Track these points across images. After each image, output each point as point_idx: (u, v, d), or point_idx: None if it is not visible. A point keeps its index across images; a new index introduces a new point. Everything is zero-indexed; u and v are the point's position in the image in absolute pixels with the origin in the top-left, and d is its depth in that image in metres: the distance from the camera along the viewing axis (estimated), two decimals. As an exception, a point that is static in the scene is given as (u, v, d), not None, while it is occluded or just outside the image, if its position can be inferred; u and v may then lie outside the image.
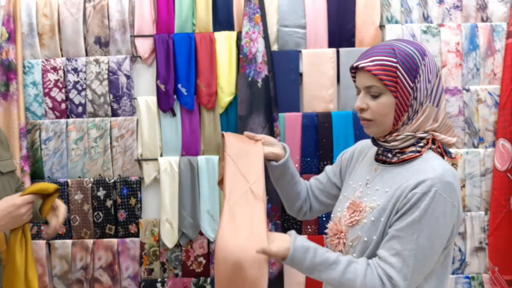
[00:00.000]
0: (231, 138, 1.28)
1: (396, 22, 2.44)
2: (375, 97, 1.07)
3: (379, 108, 1.07)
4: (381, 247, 1.05)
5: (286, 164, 1.30)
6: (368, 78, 1.07)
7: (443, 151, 1.10)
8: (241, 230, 1.08)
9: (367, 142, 1.27)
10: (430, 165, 1.04)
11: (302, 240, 1.08)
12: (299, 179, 1.37)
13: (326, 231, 1.23)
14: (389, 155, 1.10)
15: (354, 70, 1.12)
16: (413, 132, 1.07)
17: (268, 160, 1.29)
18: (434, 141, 1.10)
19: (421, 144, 1.08)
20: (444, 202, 1.00)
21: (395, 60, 1.04)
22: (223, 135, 1.28)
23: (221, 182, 1.25)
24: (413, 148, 1.07)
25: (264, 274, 1.07)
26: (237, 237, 1.06)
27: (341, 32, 2.44)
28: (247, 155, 1.25)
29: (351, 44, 2.44)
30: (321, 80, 2.42)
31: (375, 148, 1.19)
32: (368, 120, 1.10)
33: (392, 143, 1.09)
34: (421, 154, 1.07)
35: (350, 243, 1.11)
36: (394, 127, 1.08)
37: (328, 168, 1.39)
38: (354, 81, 1.15)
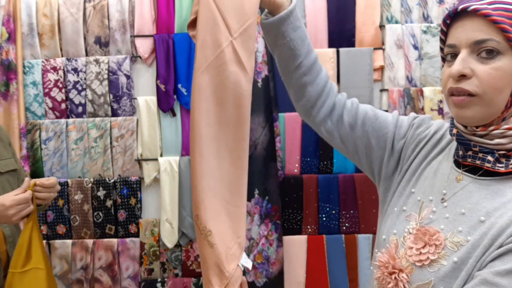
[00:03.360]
0: None
1: (396, 22, 2.44)
2: (488, 58, 0.69)
3: (493, 76, 0.68)
4: None
5: (288, 21, 0.86)
6: (482, 27, 0.69)
7: None
8: (219, 117, 0.83)
9: (447, 127, 0.85)
10: None
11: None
12: (313, 62, 0.94)
13: (376, 261, 0.81)
14: (489, 158, 0.71)
15: (450, 19, 0.74)
16: None
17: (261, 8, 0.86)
18: None
19: None
20: None
21: None
22: None
23: (191, 25, 0.86)
24: None
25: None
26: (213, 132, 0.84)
27: (341, 32, 2.44)
28: None
29: (351, 44, 2.44)
30: (321, 80, 2.42)
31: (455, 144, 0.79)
32: (469, 94, 0.70)
33: (497, 140, 0.70)
34: None
35: None
36: (503, 113, 0.71)
37: (394, 117, 0.92)
38: (443, 41, 0.77)
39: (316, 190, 2.41)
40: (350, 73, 2.41)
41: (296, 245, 2.41)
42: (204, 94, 0.81)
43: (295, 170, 2.43)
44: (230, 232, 0.85)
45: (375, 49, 2.42)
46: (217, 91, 0.81)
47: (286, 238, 2.41)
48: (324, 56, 2.42)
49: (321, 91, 0.93)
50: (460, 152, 0.76)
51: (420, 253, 0.73)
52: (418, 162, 0.85)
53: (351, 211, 2.41)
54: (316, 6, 2.43)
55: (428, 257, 0.72)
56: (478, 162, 0.72)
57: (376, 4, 2.42)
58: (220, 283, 0.81)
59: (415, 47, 2.41)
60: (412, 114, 0.93)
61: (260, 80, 2.36)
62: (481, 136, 0.72)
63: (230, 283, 0.81)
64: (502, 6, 0.68)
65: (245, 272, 0.90)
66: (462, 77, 0.70)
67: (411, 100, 2.40)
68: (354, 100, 0.96)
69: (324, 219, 2.42)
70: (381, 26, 2.44)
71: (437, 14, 2.43)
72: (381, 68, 2.45)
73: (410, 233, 0.77)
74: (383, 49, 2.43)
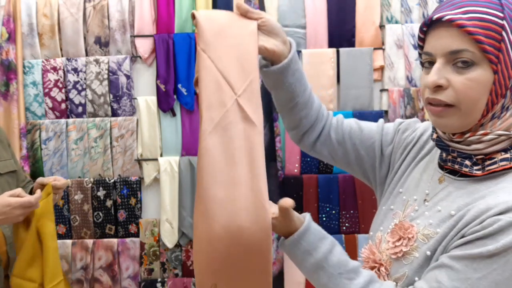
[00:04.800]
0: (206, 21, 0.81)
1: (396, 22, 2.44)
2: (463, 68, 0.69)
3: (468, 86, 0.69)
4: (422, 277, 0.72)
5: (288, 69, 0.86)
6: (456, 38, 0.68)
7: None
8: (225, 178, 0.76)
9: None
10: None
11: (318, 227, 0.78)
12: (308, 98, 0.94)
13: (360, 257, 0.86)
14: (467, 162, 0.73)
15: (426, 27, 0.74)
16: (508, 130, 0.71)
17: (261, 57, 0.87)
18: None
19: None
20: None
21: (501, 15, 0.67)
22: (193, 16, 0.82)
23: (197, 82, 0.84)
24: (506, 155, 0.71)
25: (270, 238, 0.73)
26: (223, 190, 0.75)
27: (341, 32, 2.44)
28: (233, 46, 0.81)
29: (351, 44, 2.44)
30: (321, 80, 2.42)
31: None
32: (446, 105, 0.71)
33: (474, 146, 0.72)
34: None
35: (395, 282, 0.77)
36: (480, 121, 0.72)
37: (379, 126, 0.97)
38: (421, 47, 0.77)
39: (316, 190, 2.41)
40: (350, 73, 2.42)
41: (296, 245, 2.41)
42: (212, 155, 0.77)
43: (295, 170, 2.43)
44: None
45: (375, 49, 2.42)
46: (227, 151, 0.77)
47: (286, 238, 2.41)
48: (324, 56, 2.42)
49: (314, 120, 0.97)
50: (443, 155, 0.78)
51: (395, 246, 0.78)
52: (406, 164, 0.89)
53: (351, 211, 2.41)
54: (316, 6, 2.43)
55: (401, 250, 0.76)
56: (456, 166, 0.75)
57: (376, 4, 2.42)
58: None
59: (415, 47, 2.41)
60: (398, 120, 0.96)
61: (260, 80, 2.35)
62: (458, 142, 0.74)
63: None
64: (477, 15, 0.67)
65: None
66: (438, 87, 0.71)
67: (411, 100, 2.40)
68: (339, 117, 1.01)
69: (324, 219, 2.42)
70: (381, 26, 2.44)
71: (437, 14, 2.43)
72: (381, 68, 2.45)
73: (390, 230, 0.82)
74: (383, 49, 2.43)
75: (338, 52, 2.42)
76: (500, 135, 0.70)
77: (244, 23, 0.83)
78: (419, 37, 0.76)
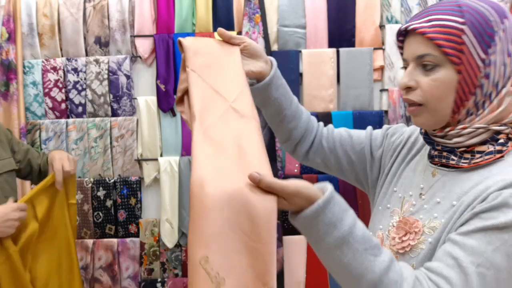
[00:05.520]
0: (193, 46, 0.89)
1: (396, 22, 2.44)
2: (428, 70, 0.77)
3: (433, 86, 0.77)
4: (434, 258, 0.72)
5: (270, 85, 0.96)
6: (421, 44, 0.77)
7: None
8: (227, 155, 0.73)
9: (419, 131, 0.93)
10: None
11: (340, 197, 0.72)
12: (295, 110, 1.03)
13: None
14: (453, 157, 0.79)
15: (402, 36, 0.82)
16: (487, 124, 0.77)
17: (248, 78, 0.94)
18: None
19: (502, 141, 0.76)
20: None
21: (461, 20, 0.74)
22: (180, 43, 0.90)
23: (179, 101, 0.88)
24: (490, 148, 0.76)
25: (275, 208, 0.66)
26: (222, 167, 0.70)
27: (341, 32, 2.44)
28: (220, 68, 0.87)
29: (351, 44, 2.44)
30: (321, 80, 2.42)
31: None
32: (416, 104, 0.79)
33: (455, 139, 0.78)
34: (503, 156, 0.76)
35: None
36: (454, 117, 0.78)
37: (368, 132, 1.04)
38: (401, 53, 0.85)
39: (316, 190, 2.41)
40: (350, 73, 2.42)
41: (296, 245, 2.41)
42: (202, 146, 0.74)
43: (295, 170, 2.44)
44: (252, 279, 0.65)
45: (375, 49, 2.42)
46: (220, 142, 0.75)
47: (286, 238, 2.41)
48: (324, 56, 2.42)
49: (304, 131, 1.05)
50: (432, 152, 0.84)
51: (402, 241, 0.80)
52: (397, 164, 0.95)
53: (351, 211, 2.41)
54: (316, 6, 2.43)
55: (409, 244, 0.79)
56: (444, 160, 0.81)
57: (376, 4, 2.42)
58: None
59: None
60: (385, 126, 1.04)
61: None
62: (441, 137, 0.80)
63: None
64: (438, 23, 0.75)
65: None
66: (409, 89, 0.80)
67: (411, 100, 2.40)
68: (329, 127, 1.09)
69: (324, 219, 2.42)
70: (381, 26, 2.44)
71: (437, 14, 2.43)
72: (381, 68, 2.45)
73: (393, 226, 0.85)
74: (383, 49, 2.43)
75: (338, 52, 2.42)
76: (478, 128, 0.76)
77: (228, 48, 0.92)
78: (398, 46, 0.85)
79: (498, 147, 0.76)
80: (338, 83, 2.45)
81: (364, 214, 2.40)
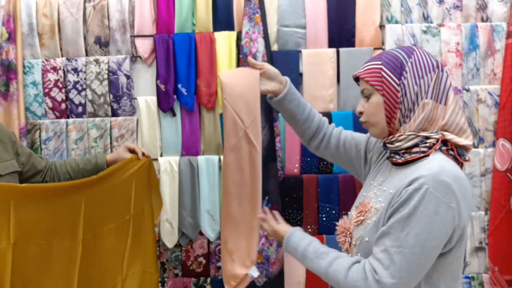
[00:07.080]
0: (227, 78, 1.35)
1: (396, 22, 2.44)
2: (367, 98, 1.13)
3: (369, 108, 1.13)
4: (374, 244, 1.06)
5: (284, 100, 1.37)
6: (362, 83, 1.15)
7: (457, 154, 1.07)
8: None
9: None
10: (430, 164, 1.03)
11: (302, 232, 1.24)
12: (307, 116, 1.41)
13: (336, 228, 1.25)
14: (397, 156, 1.10)
15: (357, 80, 1.20)
16: (417, 131, 1.07)
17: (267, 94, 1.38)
18: (446, 142, 1.07)
19: (427, 144, 1.06)
20: (436, 201, 0.98)
21: (379, 62, 1.11)
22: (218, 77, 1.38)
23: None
24: (420, 149, 1.06)
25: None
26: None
27: (341, 32, 2.44)
28: (244, 94, 1.32)
29: (351, 44, 2.44)
30: (321, 80, 2.42)
31: None
32: (364, 122, 1.17)
33: (396, 144, 1.09)
34: (427, 155, 1.06)
35: (355, 243, 1.13)
36: (391, 127, 1.11)
37: (367, 136, 1.35)
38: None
39: (316, 190, 2.42)
40: (350, 73, 2.40)
41: (296, 245, 2.41)
42: (231, 166, 1.38)
43: (295, 170, 2.44)
44: (245, 252, 1.43)
45: (375, 49, 2.42)
46: (239, 164, 1.38)
47: (286, 238, 2.41)
48: (324, 56, 2.42)
49: (315, 129, 1.44)
50: (388, 153, 1.16)
51: (357, 217, 1.15)
52: (378, 164, 1.25)
53: (351, 211, 2.42)
54: (316, 6, 2.43)
55: (360, 219, 1.13)
56: (393, 159, 1.13)
57: (376, 4, 2.42)
58: (234, 283, 1.44)
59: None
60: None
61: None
62: (389, 143, 1.12)
63: (242, 283, 1.44)
64: (368, 69, 1.13)
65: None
66: (361, 113, 1.17)
67: (411, 100, 2.40)
68: (339, 129, 1.45)
69: (324, 219, 2.43)
70: (381, 26, 2.44)
71: (437, 14, 2.44)
72: (381, 68, 2.45)
73: (356, 207, 1.21)
74: (383, 49, 2.43)
75: (338, 52, 2.42)
76: (409, 135, 1.07)
77: (251, 73, 1.34)
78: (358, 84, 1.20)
79: (423, 148, 1.06)
80: (338, 83, 2.45)
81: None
